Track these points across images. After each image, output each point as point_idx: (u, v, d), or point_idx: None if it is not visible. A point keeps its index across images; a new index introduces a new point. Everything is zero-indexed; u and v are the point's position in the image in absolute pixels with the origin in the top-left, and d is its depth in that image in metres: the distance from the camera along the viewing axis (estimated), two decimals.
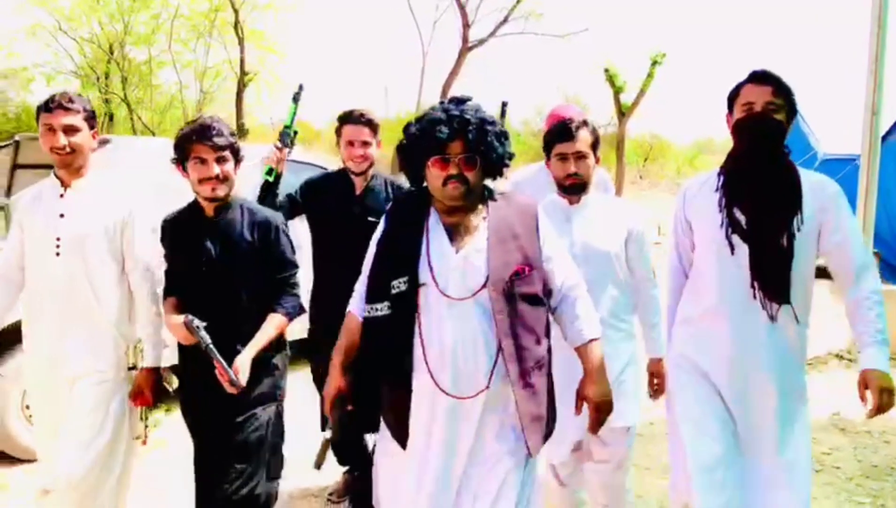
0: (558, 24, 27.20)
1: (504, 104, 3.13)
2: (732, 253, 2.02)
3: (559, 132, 2.44)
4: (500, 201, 1.97)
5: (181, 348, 2.35)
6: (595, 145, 2.46)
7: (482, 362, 1.82)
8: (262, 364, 2.32)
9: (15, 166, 4.19)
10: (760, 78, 2.03)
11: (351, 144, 2.96)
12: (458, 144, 1.85)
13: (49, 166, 4.19)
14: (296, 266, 2.40)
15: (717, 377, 2.10)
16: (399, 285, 1.86)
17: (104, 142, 3.91)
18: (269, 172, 2.85)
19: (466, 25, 15.92)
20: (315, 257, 3.12)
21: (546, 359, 1.91)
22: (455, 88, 16.48)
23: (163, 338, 2.45)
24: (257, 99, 17.14)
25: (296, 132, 2.96)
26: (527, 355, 1.84)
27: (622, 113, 16.17)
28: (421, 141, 1.88)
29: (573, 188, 2.44)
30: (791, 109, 2.02)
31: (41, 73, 16.90)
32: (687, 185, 2.27)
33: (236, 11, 15.27)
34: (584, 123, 2.46)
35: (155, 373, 2.43)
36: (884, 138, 8.32)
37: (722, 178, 2.11)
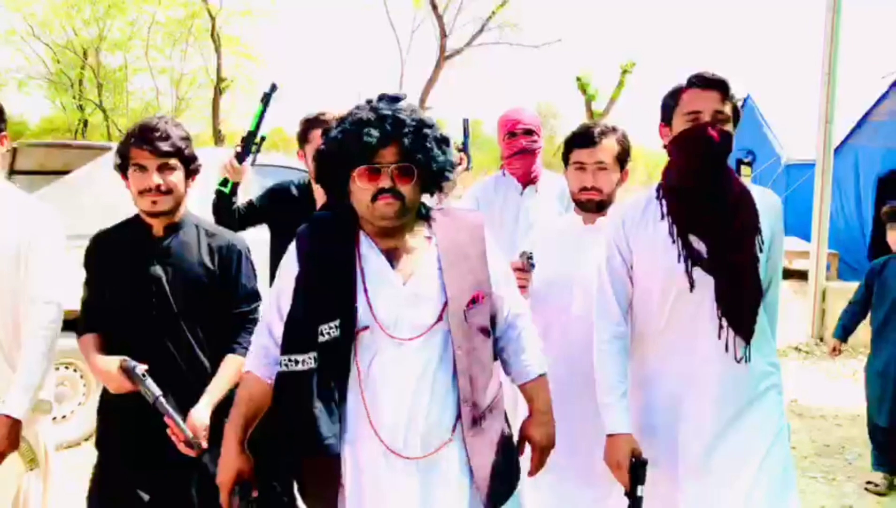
0: (533, 34, 27.72)
1: (465, 120, 3.09)
2: (692, 289, 1.73)
3: (578, 137, 2.06)
4: (439, 218, 1.62)
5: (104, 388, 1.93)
6: (623, 157, 2.06)
7: (446, 409, 1.51)
8: (217, 410, 1.88)
9: (12, 172, 4.31)
10: (707, 82, 1.72)
11: None
12: (390, 150, 1.48)
13: (47, 173, 4.32)
14: (258, 299, 2.04)
15: (695, 437, 1.77)
16: (329, 330, 1.49)
17: (106, 149, 4.03)
18: (224, 182, 2.50)
19: (444, 35, 16.21)
20: (272, 267, 2.84)
21: (500, 399, 1.64)
22: (433, 96, 16.78)
23: (40, 389, 1.89)
24: (233, 105, 17.24)
25: (263, 138, 2.53)
26: (481, 397, 1.55)
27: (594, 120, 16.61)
28: (344, 147, 1.49)
29: (589, 204, 2.05)
30: (735, 118, 1.77)
31: (13, 78, 16.82)
32: (623, 213, 1.89)
33: (213, 18, 15.36)
34: (613, 129, 2.07)
35: (12, 426, 1.81)
36: (843, 143, 8.80)
37: (665, 202, 1.80)
